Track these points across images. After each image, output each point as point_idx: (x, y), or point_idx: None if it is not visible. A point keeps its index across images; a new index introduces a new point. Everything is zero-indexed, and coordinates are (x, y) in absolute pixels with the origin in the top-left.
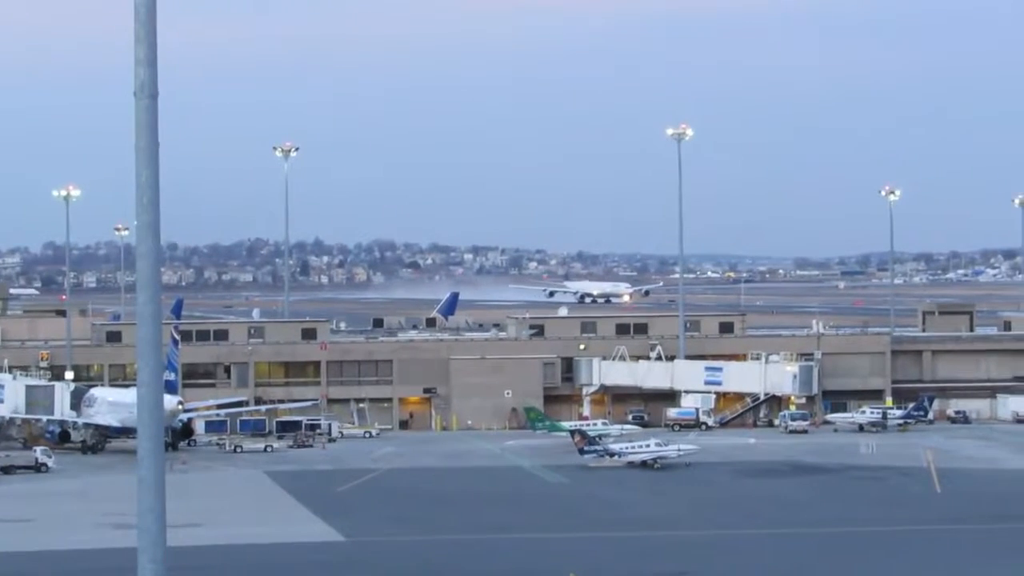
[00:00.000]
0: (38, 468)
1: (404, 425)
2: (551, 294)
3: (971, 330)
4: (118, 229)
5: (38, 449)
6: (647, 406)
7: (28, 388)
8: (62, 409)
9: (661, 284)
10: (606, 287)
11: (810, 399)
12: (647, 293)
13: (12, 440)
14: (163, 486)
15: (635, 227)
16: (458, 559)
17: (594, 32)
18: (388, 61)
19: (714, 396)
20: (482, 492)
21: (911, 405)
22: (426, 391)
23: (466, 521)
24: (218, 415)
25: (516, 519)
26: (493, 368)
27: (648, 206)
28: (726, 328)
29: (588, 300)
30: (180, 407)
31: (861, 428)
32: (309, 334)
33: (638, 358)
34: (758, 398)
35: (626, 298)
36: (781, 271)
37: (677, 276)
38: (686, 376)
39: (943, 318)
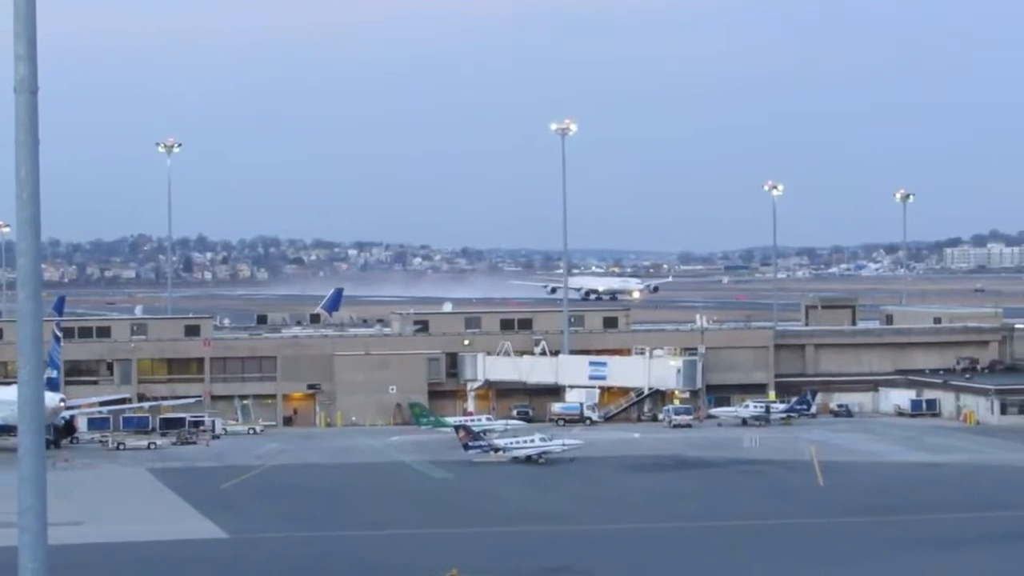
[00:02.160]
0: None
1: (288, 421)
2: (553, 291)
3: (853, 324)
4: None
5: None
6: (532, 401)
7: None
8: None
9: (670, 279)
10: (614, 283)
11: (694, 393)
12: (656, 289)
13: None
14: (44, 484)
15: (520, 222)
16: (342, 555)
17: (479, 26)
18: (272, 55)
19: (598, 391)
20: (366, 488)
21: (794, 399)
22: (310, 387)
23: (350, 517)
24: (101, 412)
25: (400, 515)
26: (377, 364)
27: (533, 201)
28: (610, 323)
29: (593, 297)
30: (62, 404)
31: (745, 422)
32: (192, 331)
33: (522, 353)
34: (642, 393)
35: (636, 295)
36: (665, 266)
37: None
38: (570, 371)
39: (826, 312)
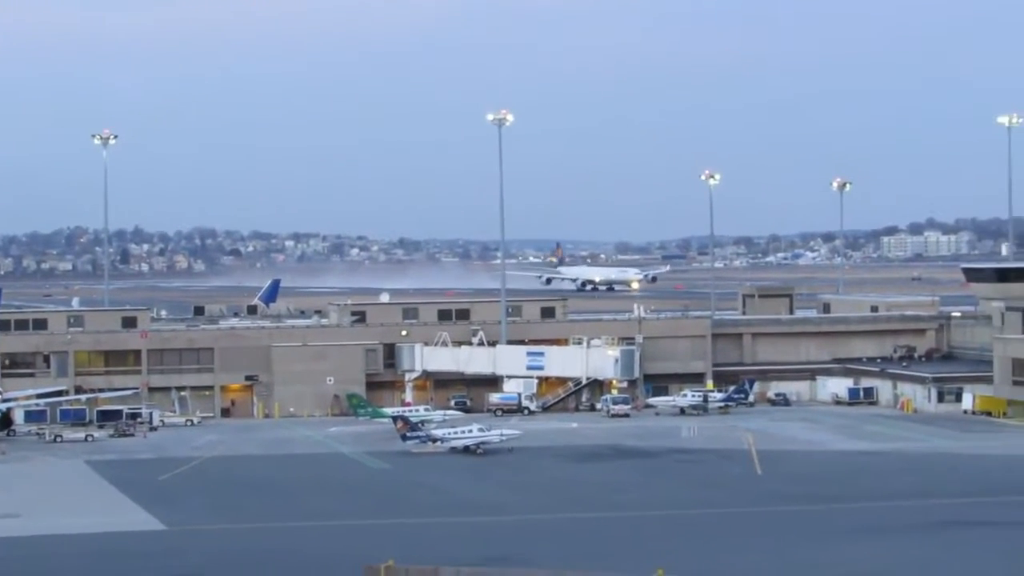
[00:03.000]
0: None
1: (226, 413)
2: (548, 281)
3: (791, 313)
4: None
5: None
6: (469, 391)
7: None
8: None
9: (667, 268)
10: (611, 273)
11: (632, 383)
12: (654, 279)
13: None
14: None
15: (457, 213)
16: (280, 547)
17: (415, 16)
18: (207, 47)
19: (536, 381)
20: (304, 479)
21: (732, 388)
22: (248, 379)
23: (288, 508)
24: (38, 405)
25: (338, 506)
26: (315, 355)
27: (470, 192)
28: (548, 313)
29: (589, 288)
30: None
31: (682, 411)
32: (129, 322)
33: (460, 344)
34: (580, 382)
35: (635, 285)
36: (602, 255)
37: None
38: (508, 361)
39: (763, 301)
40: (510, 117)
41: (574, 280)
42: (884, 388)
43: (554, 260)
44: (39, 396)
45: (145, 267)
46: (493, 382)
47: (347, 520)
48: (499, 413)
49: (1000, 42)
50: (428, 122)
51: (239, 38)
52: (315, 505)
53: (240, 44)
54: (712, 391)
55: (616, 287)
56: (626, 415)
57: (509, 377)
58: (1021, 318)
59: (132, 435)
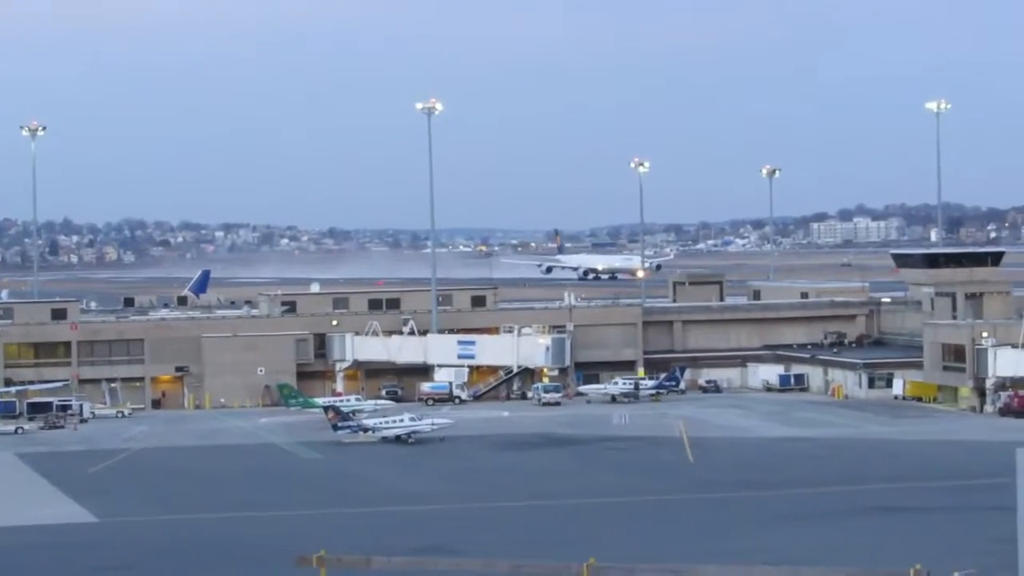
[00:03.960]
0: None
1: (157, 404)
2: (548, 270)
3: (721, 300)
4: None
5: None
6: (401, 381)
7: None
8: None
9: (671, 256)
10: (615, 261)
11: (563, 371)
12: (659, 268)
13: None
14: None
15: (387, 202)
16: (211, 538)
17: (344, 3)
18: (137, 35)
19: (467, 370)
20: (236, 470)
21: (663, 375)
22: (178, 370)
23: (220, 499)
24: None
25: (270, 496)
26: (245, 346)
27: (400, 181)
28: (478, 302)
29: (591, 277)
30: None
31: (614, 399)
32: (59, 314)
33: (391, 333)
34: (511, 371)
35: (640, 274)
36: (533, 244)
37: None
38: (439, 350)
39: (694, 289)
40: (439, 106)
41: (575, 269)
42: (815, 374)
43: (483, 249)
44: None
45: (74, 259)
46: (424, 371)
47: (279, 510)
48: (430, 402)
49: (928, 28)
50: (357, 111)
51: (167, 24)
52: (247, 496)
53: (168, 30)
54: (643, 379)
55: (619, 276)
56: (557, 403)
57: (440, 366)
58: (951, 304)
59: (62, 427)
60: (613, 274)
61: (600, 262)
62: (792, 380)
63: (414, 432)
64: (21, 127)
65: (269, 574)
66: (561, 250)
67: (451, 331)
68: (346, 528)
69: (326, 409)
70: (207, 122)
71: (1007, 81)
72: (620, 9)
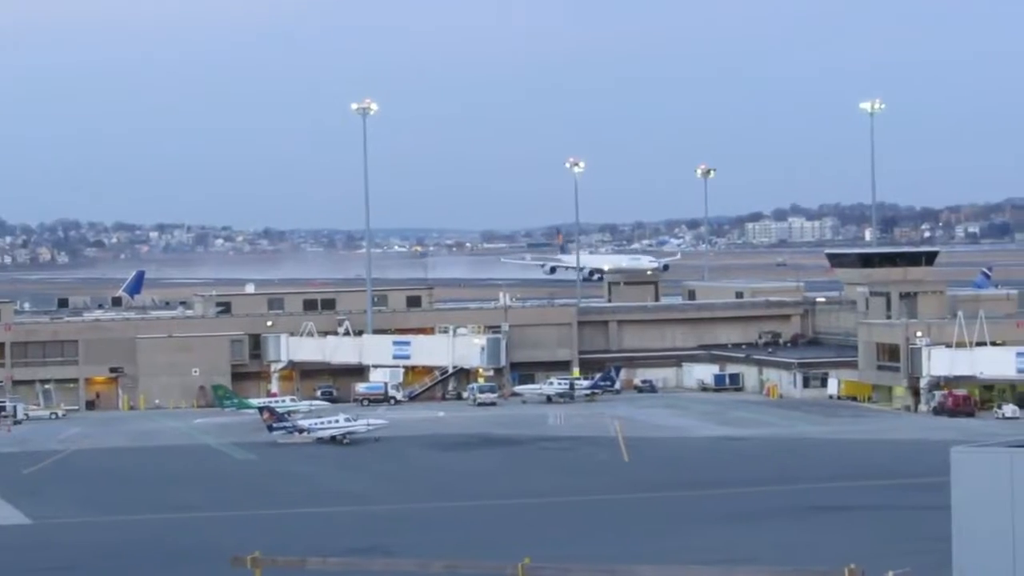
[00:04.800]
0: None
1: (91, 405)
2: (552, 270)
3: (656, 300)
4: None
5: None
6: (336, 381)
7: None
8: None
9: (679, 256)
10: (622, 261)
11: (498, 371)
12: (666, 268)
13: None
14: None
15: (322, 203)
16: (146, 539)
17: (274, 4)
18: (69, 36)
19: (403, 370)
20: (171, 471)
21: (598, 375)
22: (113, 371)
23: (154, 500)
24: None
25: (204, 497)
26: (180, 346)
27: (334, 181)
28: (414, 302)
29: (596, 277)
30: None
31: (549, 399)
32: None
33: (326, 334)
34: (447, 371)
35: (648, 274)
36: (468, 244)
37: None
38: (374, 351)
39: (629, 289)
40: (374, 106)
41: (581, 269)
42: (750, 374)
43: (418, 249)
44: None
45: (8, 259)
46: (359, 372)
47: (214, 511)
48: (365, 403)
49: (864, 27)
50: (292, 110)
51: (97, 23)
52: (182, 497)
53: (97, 29)
54: (578, 379)
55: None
56: (493, 403)
57: (375, 367)
58: (885, 303)
59: None
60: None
61: (606, 262)
62: (727, 380)
63: (349, 433)
64: None
65: (204, 575)
66: (563, 249)
67: (387, 332)
68: (281, 529)
69: (261, 410)
70: (141, 121)
71: (941, 81)
72: (555, 8)
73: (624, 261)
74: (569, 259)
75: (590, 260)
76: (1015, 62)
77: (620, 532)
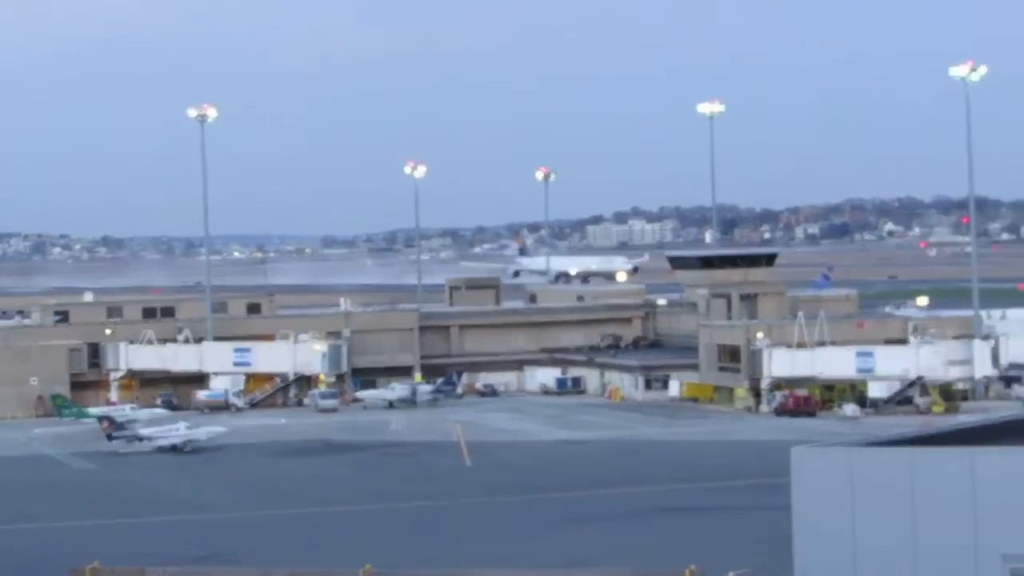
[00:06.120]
0: None
1: None
2: (516, 274)
3: (498, 304)
4: None
5: None
6: (176, 389)
7: None
8: None
9: (646, 258)
10: (591, 263)
11: (340, 377)
12: (636, 270)
13: None
14: None
15: (161, 209)
16: None
17: (107, 4)
18: None
19: (244, 377)
20: (8, 482)
21: (440, 380)
22: None
23: None
24: None
25: (43, 508)
26: (17, 356)
27: (173, 187)
28: (254, 309)
29: (562, 281)
30: None
31: (391, 404)
32: None
33: (166, 341)
34: (288, 378)
35: (621, 276)
36: (308, 250)
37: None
38: (215, 358)
39: (470, 293)
40: (212, 112)
41: (543, 272)
42: (592, 377)
43: (259, 256)
44: None
45: None
46: (200, 379)
47: (52, 522)
48: (206, 411)
49: (703, 30)
50: (128, 115)
51: None
52: (19, 507)
53: None
54: (420, 383)
55: (592, 279)
56: (334, 409)
57: (216, 374)
58: (726, 305)
59: None
60: (586, 277)
61: (573, 264)
62: (569, 383)
63: (190, 440)
64: None
65: None
66: (523, 252)
67: (227, 339)
68: (120, 539)
69: (100, 419)
70: None
71: (780, 83)
72: (388, 12)
73: (593, 264)
74: (531, 262)
75: (558, 263)
76: (855, 65)
77: (462, 536)
